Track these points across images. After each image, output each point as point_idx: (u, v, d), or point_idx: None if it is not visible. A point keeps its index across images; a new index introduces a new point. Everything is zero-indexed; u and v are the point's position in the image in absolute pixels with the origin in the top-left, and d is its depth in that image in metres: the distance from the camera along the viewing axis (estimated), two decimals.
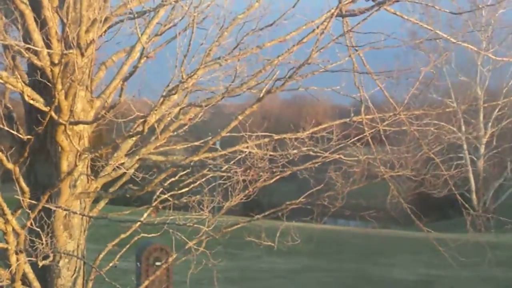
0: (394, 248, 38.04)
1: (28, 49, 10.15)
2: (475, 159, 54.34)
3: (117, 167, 11.21)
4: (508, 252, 36.10)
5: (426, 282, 30.17)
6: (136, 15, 10.70)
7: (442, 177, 13.32)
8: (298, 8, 10.80)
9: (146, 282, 12.77)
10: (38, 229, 9.96)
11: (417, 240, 34.41)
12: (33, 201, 10.18)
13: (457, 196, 14.98)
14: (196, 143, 11.66)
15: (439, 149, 13.61)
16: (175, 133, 11.53)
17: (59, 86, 9.99)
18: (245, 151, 11.14)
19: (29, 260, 10.25)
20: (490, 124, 53.40)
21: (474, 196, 52.87)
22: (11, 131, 10.44)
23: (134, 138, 11.12)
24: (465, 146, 52.94)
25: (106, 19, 10.76)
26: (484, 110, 51.99)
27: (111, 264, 11.03)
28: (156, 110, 10.74)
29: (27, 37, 10.31)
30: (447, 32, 11.55)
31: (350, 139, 11.51)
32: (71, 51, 9.95)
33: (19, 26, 10.39)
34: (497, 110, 51.12)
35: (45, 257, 10.14)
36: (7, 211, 10.12)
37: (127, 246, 11.39)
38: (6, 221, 10.07)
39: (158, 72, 11.07)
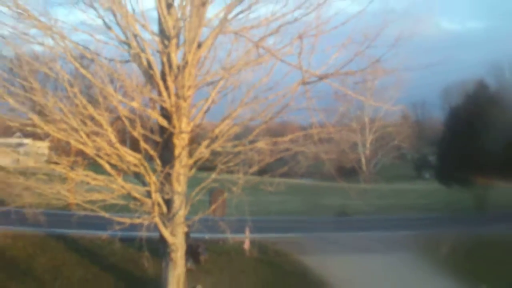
0: (327, 191, 37.78)
1: (160, 99, 10.05)
2: (364, 150, 54.31)
3: (200, 153, 11.08)
4: (378, 193, 36.01)
5: (342, 206, 29.81)
6: (209, 83, 10.62)
7: (349, 158, 13.11)
8: (284, 80, 10.71)
9: (213, 206, 12.61)
10: (164, 181, 9.87)
11: (338, 187, 34.06)
12: (162, 169, 10.08)
13: (356, 167, 14.83)
14: (237, 142, 11.51)
15: (348, 145, 13.41)
16: (228, 137, 11.40)
17: (174, 116, 9.89)
18: (259, 146, 11.02)
19: (160, 195, 10.15)
20: (372, 133, 53.72)
21: (364, 167, 52.76)
22: (153, 136, 10.36)
23: (208, 140, 10.99)
24: (359, 144, 52.92)
25: (196, 85, 10.63)
26: (368, 127, 52.54)
27: (197, 198, 10.77)
28: (218, 127, 10.67)
29: (159, 93, 10.21)
30: (353, 92, 11.24)
31: (308, 141, 11.33)
32: (179, 100, 9.85)
33: (155, 88, 10.30)
34: (374, 128, 52.00)
35: (167, 194, 10.04)
36: (151, 173, 10.04)
37: (205, 190, 11.21)
38: (150, 177, 9.98)
39: (219, 109, 11.00)
